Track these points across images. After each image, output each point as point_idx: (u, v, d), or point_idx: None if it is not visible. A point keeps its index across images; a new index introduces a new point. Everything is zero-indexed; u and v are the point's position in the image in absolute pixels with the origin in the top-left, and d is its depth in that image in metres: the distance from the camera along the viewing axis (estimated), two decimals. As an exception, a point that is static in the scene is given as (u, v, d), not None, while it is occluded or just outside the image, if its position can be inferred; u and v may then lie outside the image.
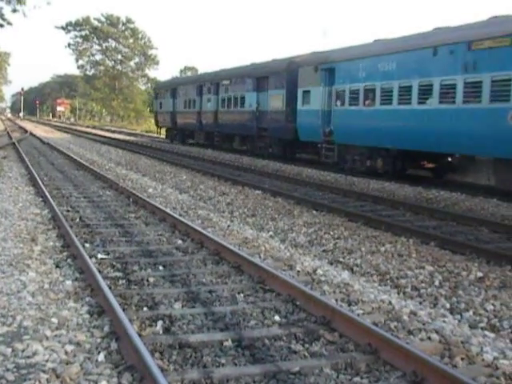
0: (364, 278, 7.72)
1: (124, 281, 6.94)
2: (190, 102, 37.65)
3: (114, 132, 55.78)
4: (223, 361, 4.73)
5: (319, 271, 7.61)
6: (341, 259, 8.69)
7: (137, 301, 6.18)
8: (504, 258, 8.46)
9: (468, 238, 10.17)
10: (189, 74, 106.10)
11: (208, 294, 6.46)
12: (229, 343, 5.07)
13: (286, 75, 25.61)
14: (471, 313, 6.42)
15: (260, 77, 28.22)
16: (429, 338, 5.31)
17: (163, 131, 47.13)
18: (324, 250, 9.29)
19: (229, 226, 10.64)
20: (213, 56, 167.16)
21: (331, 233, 10.44)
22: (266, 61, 29.78)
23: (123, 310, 5.58)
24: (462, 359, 4.89)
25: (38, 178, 15.78)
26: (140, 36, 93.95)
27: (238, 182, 17.17)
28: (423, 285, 7.42)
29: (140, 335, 4.98)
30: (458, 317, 6.31)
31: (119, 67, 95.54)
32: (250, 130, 28.91)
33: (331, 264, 8.43)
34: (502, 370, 4.63)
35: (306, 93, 23.43)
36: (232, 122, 31.21)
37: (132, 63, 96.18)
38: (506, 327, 5.99)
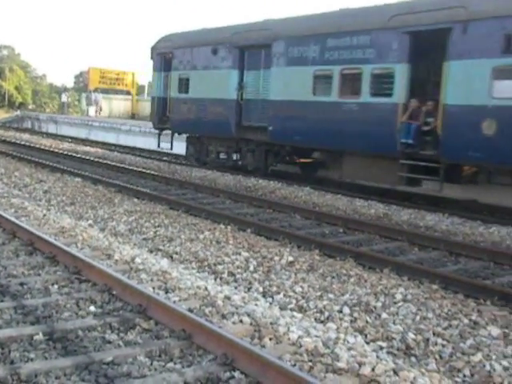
0: (183, 266, 7.85)
1: None
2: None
3: None
4: (32, 355, 4.57)
5: (138, 260, 7.58)
6: (160, 247, 8.76)
7: None
8: (313, 243, 9.07)
9: (282, 224, 10.75)
10: (5, 52, 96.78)
11: (19, 287, 6.17)
12: (40, 337, 4.90)
13: None
14: (282, 295, 6.82)
15: None
16: (241, 321, 5.54)
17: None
18: (144, 239, 9.29)
19: (45, 215, 10.21)
20: (33, 36, 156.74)
21: (152, 221, 10.45)
22: None
23: None
24: (271, 339, 5.18)
25: None
26: None
27: (57, 168, 16.50)
28: (239, 270, 7.73)
29: None
30: (270, 299, 6.68)
31: None
32: None
33: (151, 252, 8.47)
34: (306, 347, 4.99)
35: None
36: None
37: None
38: (311, 307, 6.45)
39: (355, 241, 9.84)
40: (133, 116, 48.08)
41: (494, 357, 5.21)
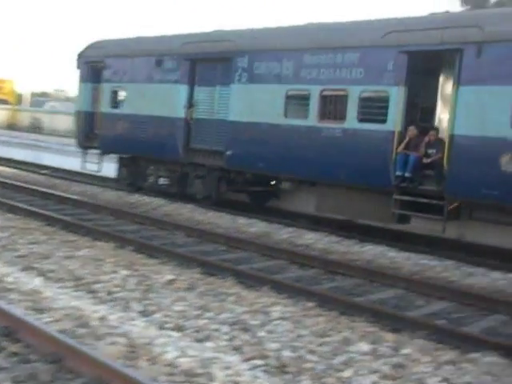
0: (58, 285, 7.54)
1: None
2: None
3: None
4: None
5: (8, 278, 7.23)
6: (35, 265, 8.36)
7: None
8: (194, 261, 9.05)
9: (163, 242, 10.64)
10: None
11: None
12: None
13: None
14: (160, 315, 6.71)
15: None
16: (116, 343, 5.41)
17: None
18: (17, 256, 8.83)
19: None
20: None
21: (27, 237, 9.98)
22: None
23: None
24: (146, 360, 5.10)
25: None
26: None
27: None
28: (117, 289, 7.53)
29: None
30: (148, 319, 6.55)
31: None
32: None
33: (24, 270, 8.06)
34: (182, 367, 4.95)
35: None
36: None
37: None
38: (190, 327, 6.40)
39: (236, 259, 9.92)
40: (11, 126, 45.86)
41: (362, 372, 5.42)
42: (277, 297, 7.84)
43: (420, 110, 12.93)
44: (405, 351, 6.06)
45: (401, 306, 7.90)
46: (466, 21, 11.33)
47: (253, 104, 14.08)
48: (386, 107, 11.81)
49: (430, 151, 11.77)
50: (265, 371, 5.40)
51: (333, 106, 12.84)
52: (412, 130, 11.79)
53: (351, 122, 12.33)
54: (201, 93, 15.39)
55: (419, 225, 12.37)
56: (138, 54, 16.99)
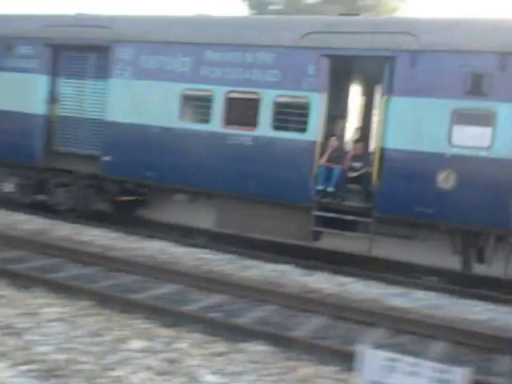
0: None
1: None
2: None
3: None
4: None
5: None
6: None
7: None
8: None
9: None
10: None
11: None
12: None
13: None
14: None
15: None
16: None
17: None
18: None
19: None
20: None
21: None
22: None
23: None
24: None
25: None
26: None
27: None
28: None
29: None
30: None
31: None
32: None
33: None
34: None
35: None
36: None
37: None
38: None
39: (9, 259, 9.35)
40: None
41: (135, 369, 5.46)
42: (53, 297, 7.58)
43: (341, 120, 12.32)
44: (179, 346, 6.22)
45: (179, 301, 8.08)
46: (399, 27, 10.70)
47: (139, 103, 12.36)
48: (307, 115, 10.89)
49: (355, 165, 11.12)
50: (34, 376, 5.22)
51: (241, 111, 11.70)
52: (333, 141, 11.15)
53: (264, 129, 11.25)
54: (67, 86, 13.28)
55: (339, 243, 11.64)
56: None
